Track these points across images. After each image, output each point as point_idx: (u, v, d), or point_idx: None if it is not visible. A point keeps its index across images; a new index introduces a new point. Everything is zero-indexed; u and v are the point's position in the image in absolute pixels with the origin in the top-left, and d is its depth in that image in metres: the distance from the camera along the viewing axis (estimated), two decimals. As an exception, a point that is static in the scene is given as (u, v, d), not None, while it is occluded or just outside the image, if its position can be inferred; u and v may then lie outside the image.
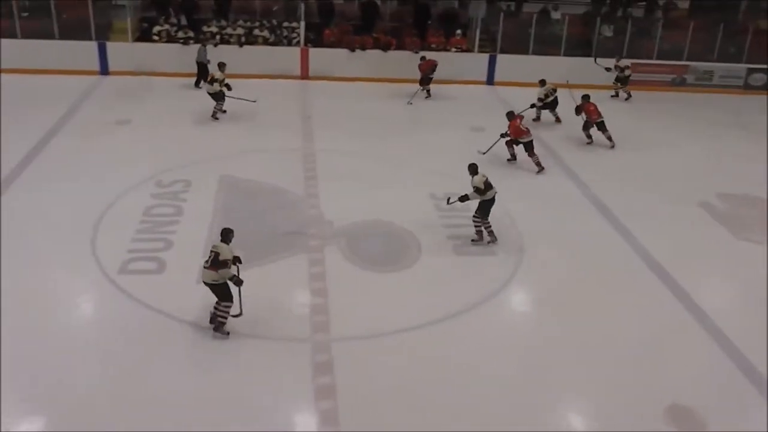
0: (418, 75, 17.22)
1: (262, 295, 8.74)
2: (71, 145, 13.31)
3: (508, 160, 13.45)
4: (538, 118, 15.84)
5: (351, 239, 10.22)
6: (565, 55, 18.86)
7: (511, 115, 13.31)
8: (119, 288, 8.76)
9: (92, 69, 17.74)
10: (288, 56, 18.50)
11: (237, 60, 17.31)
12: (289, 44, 18.78)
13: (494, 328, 8.49)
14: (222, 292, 7.81)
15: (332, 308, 8.57)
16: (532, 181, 12.83)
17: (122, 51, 17.94)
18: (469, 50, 19.28)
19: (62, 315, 8.36)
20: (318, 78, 18.30)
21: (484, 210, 10.16)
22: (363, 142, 13.97)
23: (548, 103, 15.62)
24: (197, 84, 17.02)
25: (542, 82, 15.63)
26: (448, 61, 18.41)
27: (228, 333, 7.94)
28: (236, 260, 7.95)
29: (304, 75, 18.54)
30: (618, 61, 17.91)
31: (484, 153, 12.89)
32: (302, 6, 18.91)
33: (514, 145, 13.28)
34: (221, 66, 14.93)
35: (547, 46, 19.15)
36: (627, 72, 17.82)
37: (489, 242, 10.29)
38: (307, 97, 17.11)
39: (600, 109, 14.37)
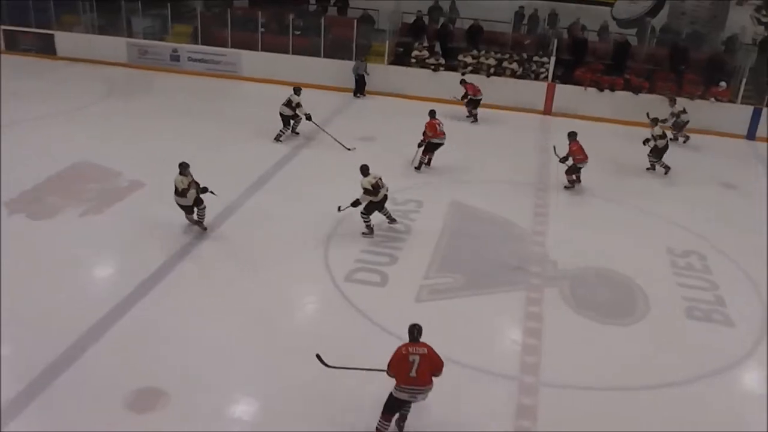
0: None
1: (476, 323, 8.77)
2: (321, 154, 14.35)
3: (416, 168, 13.61)
4: (652, 167, 14.38)
5: (574, 283, 9.85)
6: None
7: (433, 114, 13.64)
8: (343, 294, 9.23)
9: (347, 87, 18.94)
10: (534, 90, 18.41)
11: (483, 90, 17.53)
12: (536, 78, 18.67)
13: (717, 408, 7.66)
14: (184, 208, 10.32)
15: (545, 351, 8.30)
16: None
17: (377, 72, 18.97)
18: (731, 101, 17.80)
19: (288, 308, 9.06)
20: (561, 115, 17.97)
21: (370, 209, 10.63)
22: (599, 183, 13.45)
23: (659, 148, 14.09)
24: (355, 94, 18.77)
25: (654, 121, 14.27)
26: (704, 111, 17.16)
27: (205, 228, 10.49)
28: (195, 186, 10.18)
29: (548, 110, 18.33)
30: (672, 105, 16.31)
31: (424, 166, 13.65)
32: (555, 41, 18.75)
33: (430, 154, 13.57)
34: (297, 90, 14.77)
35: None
36: (684, 117, 16.15)
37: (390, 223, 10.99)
38: (547, 133, 16.85)
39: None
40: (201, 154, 13.61)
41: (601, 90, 18.03)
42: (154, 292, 9.02)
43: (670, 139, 15.73)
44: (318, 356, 7.14)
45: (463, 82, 17.37)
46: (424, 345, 6.61)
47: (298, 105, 14.58)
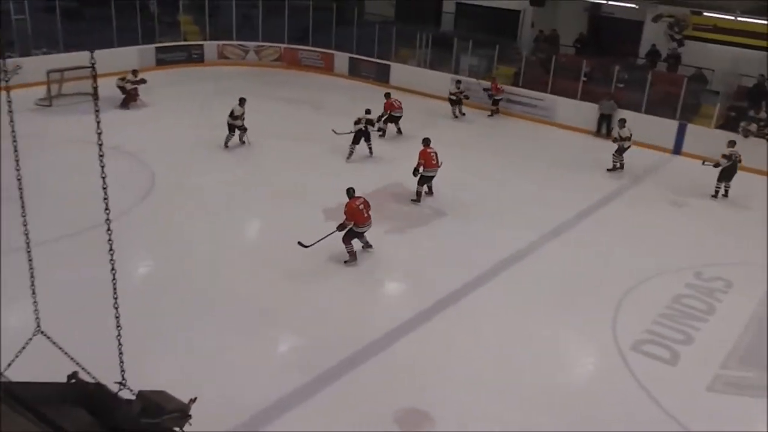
0: None
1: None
2: (624, 213, 13.74)
3: (380, 136, 16.48)
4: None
5: None
6: None
7: (387, 96, 17.09)
8: (625, 362, 8.71)
9: (666, 147, 17.93)
10: None
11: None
12: None
13: None
14: (231, 126, 15.19)
15: None
16: None
17: (701, 135, 17.61)
18: None
19: (565, 362, 8.88)
20: None
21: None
22: None
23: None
24: (598, 131, 18.86)
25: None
26: None
27: (244, 142, 15.32)
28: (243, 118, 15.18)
29: None
30: (621, 127, 16.10)
31: (338, 133, 15.48)
32: None
33: (388, 123, 16.73)
34: (387, 95, 17.59)
35: None
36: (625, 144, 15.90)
37: None
38: None
39: None
40: (532, 188, 14.37)
41: None
42: (435, 320, 9.35)
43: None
44: (299, 243, 10.14)
45: (387, 95, 17.69)
46: (359, 196, 10.56)
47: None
